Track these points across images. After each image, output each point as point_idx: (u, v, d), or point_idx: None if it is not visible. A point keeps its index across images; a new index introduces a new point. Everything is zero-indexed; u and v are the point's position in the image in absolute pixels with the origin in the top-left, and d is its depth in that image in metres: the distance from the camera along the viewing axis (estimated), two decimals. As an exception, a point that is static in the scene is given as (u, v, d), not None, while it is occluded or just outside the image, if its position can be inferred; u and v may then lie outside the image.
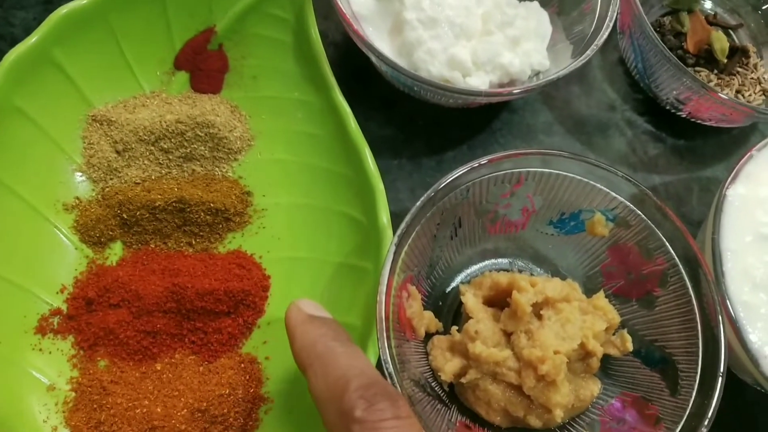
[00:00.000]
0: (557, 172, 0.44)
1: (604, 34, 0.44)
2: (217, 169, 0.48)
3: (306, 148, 0.48)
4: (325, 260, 0.46)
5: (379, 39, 0.47)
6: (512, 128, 0.54)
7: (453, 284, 0.48)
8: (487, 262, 0.49)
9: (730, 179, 0.42)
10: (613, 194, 0.43)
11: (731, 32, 0.57)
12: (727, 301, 0.39)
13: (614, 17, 0.45)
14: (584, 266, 0.48)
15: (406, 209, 0.52)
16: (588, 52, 0.44)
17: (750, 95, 0.53)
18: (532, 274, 0.48)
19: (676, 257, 0.42)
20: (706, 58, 0.55)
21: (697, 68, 0.55)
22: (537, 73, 0.48)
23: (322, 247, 0.46)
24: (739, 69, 0.55)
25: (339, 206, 0.46)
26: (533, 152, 0.43)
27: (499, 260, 0.50)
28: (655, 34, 0.46)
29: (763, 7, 0.57)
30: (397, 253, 0.39)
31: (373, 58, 0.44)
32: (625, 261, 0.45)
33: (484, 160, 0.42)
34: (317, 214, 0.47)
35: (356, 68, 0.53)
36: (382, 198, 0.43)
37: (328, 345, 0.32)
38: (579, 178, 0.44)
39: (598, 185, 0.44)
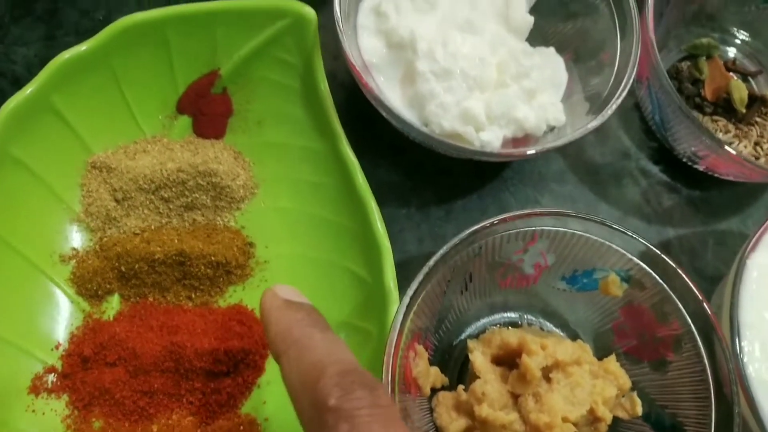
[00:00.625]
0: (571, 231, 0.43)
1: (623, 93, 0.43)
2: (219, 218, 0.47)
3: (311, 197, 0.47)
4: (328, 318, 0.45)
5: (390, 88, 0.46)
6: (524, 176, 0.53)
7: (460, 337, 0.47)
8: (496, 316, 0.48)
9: (750, 247, 0.41)
10: (629, 255, 0.42)
11: (750, 79, 0.56)
12: (744, 378, 0.38)
13: (633, 74, 0.44)
14: (596, 323, 0.47)
15: (412, 260, 0.51)
16: (606, 111, 0.43)
17: (769, 147, 0.52)
18: (542, 329, 0.48)
19: (691, 324, 0.41)
20: (725, 106, 0.53)
21: (715, 117, 0.54)
22: (552, 128, 0.47)
23: (325, 304, 0.45)
24: (758, 119, 0.54)
25: (343, 261, 0.45)
26: (546, 212, 0.42)
27: (509, 314, 0.49)
28: (674, 89, 0.45)
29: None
30: (405, 316, 0.38)
31: (384, 113, 0.42)
32: (639, 322, 0.44)
33: (496, 220, 0.41)
34: (321, 269, 0.46)
35: (365, 112, 0.52)
36: (389, 257, 0.42)
37: (305, 331, 0.31)
38: (594, 237, 0.43)
39: (614, 245, 0.42)
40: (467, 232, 0.40)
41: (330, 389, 0.26)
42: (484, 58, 0.45)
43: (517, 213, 0.41)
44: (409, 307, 0.39)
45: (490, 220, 0.41)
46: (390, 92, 0.46)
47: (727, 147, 0.44)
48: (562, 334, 0.48)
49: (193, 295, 0.46)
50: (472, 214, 0.51)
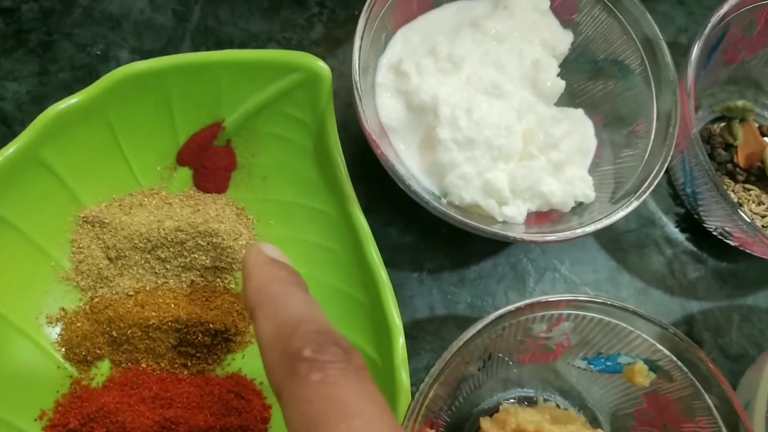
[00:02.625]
0: (598, 316, 0.41)
1: (658, 176, 0.42)
2: (218, 279, 0.45)
3: (318, 262, 0.45)
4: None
5: (408, 153, 0.45)
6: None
7: (473, 414, 0.46)
8: (510, 392, 0.47)
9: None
10: (658, 345, 0.41)
11: (785, 144, 0.55)
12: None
13: (669, 156, 0.42)
14: (615, 405, 0.45)
15: (422, 329, 0.49)
16: (639, 196, 0.41)
17: (803, 222, 0.51)
18: (558, 406, 0.46)
19: (722, 425, 0.39)
20: (758, 174, 0.52)
21: (747, 185, 0.52)
22: (580, 204, 0.45)
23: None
24: (792, 189, 0.52)
25: (350, 335, 0.43)
26: (573, 300, 0.40)
27: (524, 390, 0.47)
28: (712, 169, 0.43)
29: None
30: (419, 404, 0.37)
31: (399, 183, 0.40)
32: (663, 412, 0.43)
33: (522, 305, 0.39)
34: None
35: (379, 167, 0.50)
36: (399, 339, 0.40)
37: (285, 288, 0.31)
38: (622, 324, 0.41)
39: (642, 334, 0.41)
40: (490, 318, 0.38)
41: (305, 342, 0.27)
42: (510, 127, 0.43)
43: (544, 299, 0.40)
44: (422, 397, 0.37)
45: (517, 305, 0.39)
46: (408, 157, 0.44)
47: (764, 233, 0.43)
48: (579, 413, 0.46)
49: (189, 363, 0.44)
50: (487, 281, 0.50)
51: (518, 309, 0.39)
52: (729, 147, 0.53)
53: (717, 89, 0.55)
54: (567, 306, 0.41)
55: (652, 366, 0.42)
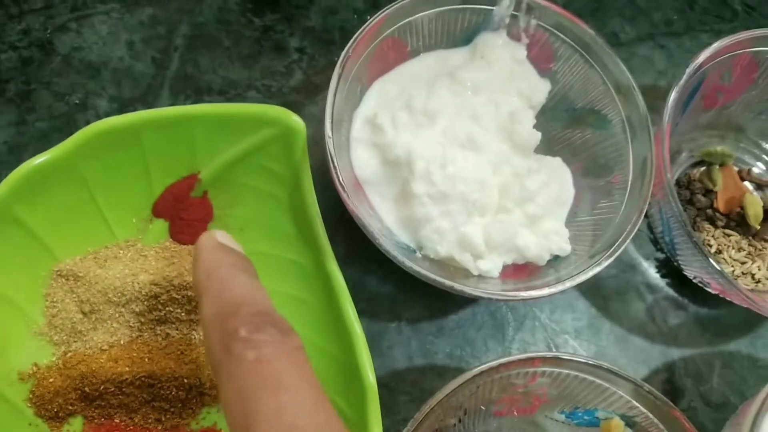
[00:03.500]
0: (575, 373, 0.41)
1: (634, 230, 0.42)
2: (194, 332, 0.45)
3: (293, 314, 0.44)
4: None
5: (383, 206, 0.45)
6: (522, 289, 0.51)
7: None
8: (487, 446, 0.47)
9: (759, 409, 0.39)
10: (634, 402, 0.40)
11: (766, 189, 0.54)
12: None
13: (644, 209, 0.42)
14: (593, 461, 0.45)
15: (401, 379, 0.49)
16: (614, 251, 0.41)
17: (783, 269, 0.51)
18: (535, 459, 0.46)
19: (699, 483, 0.39)
20: (738, 220, 0.52)
21: (727, 231, 0.52)
22: (556, 257, 0.45)
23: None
24: (772, 235, 0.52)
25: (327, 390, 0.42)
26: (551, 357, 0.40)
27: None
28: (688, 223, 0.43)
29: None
30: None
31: (371, 239, 0.40)
32: (641, 468, 0.42)
33: (496, 364, 0.39)
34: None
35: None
36: (374, 398, 0.40)
37: (232, 271, 0.32)
38: (598, 381, 0.41)
39: (618, 390, 0.41)
40: (465, 378, 0.38)
41: (242, 323, 0.27)
42: (485, 180, 0.44)
43: (521, 357, 0.40)
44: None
45: (491, 364, 0.40)
46: (383, 210, 0.44)
47: (740, 288, 0.43)
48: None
49: (163, 418, 0.43)
50: (466, 330, 0.49)
51: (493, 368, 0.39)
52: (709, 192, 0.53)
53: (697, 134, 0.55)
54: (543, 363, 0.41)
55: (629, 422, 0.42)
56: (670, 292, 0.53)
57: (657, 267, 0.53)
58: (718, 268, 0.43)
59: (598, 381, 0.41)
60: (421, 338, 0.49)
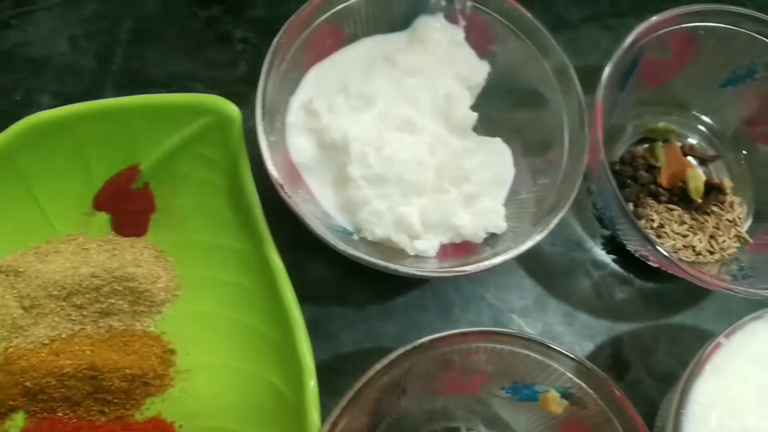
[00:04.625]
0: (509, 348, 0.41)
1: (566, 205, 0.42)
2: (137, 323, 0.45)
3: (236, 301, 0.46)
4: (247, 434, 0.43)
5: (321, 191, 0.45)
6: (468, 270, 0.51)
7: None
8: (435, 424, 0.47)
9: (689, 374, 0.40)
10: (569, 374, 0.41)
11: (709, 164, 0.55)
12: None
13: (578, 184, 0.43)
14: (537, 433, 0.45)
15: (348, 365, 0.49)
16: (549, 223, 0.42)
17: (724, 241, 0.51)
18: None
19: (632, 450, 0.40)
20: (680, 194, 0.52)
21: (671, 206, 0.52)
22: (493, 235, 0.45)
23: (250, 419, 0.43)
24: (715, 208, 0.52)
25: (267, 374, 0.43)
26: (480, 332, 0.40)
27: (450, 423, 0.47)
28: (620, 194, 0.44)
29: (742, 140, 0.55)
30: None
31: (306, 226, 0.41)
32: (581, 439, 0.43)
33: (426, 341, 0.39)
34: (245, 380, 0.44)
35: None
36: (309, 379, 0.40)
37: None
38: (532, 355, 0.41)
39: (553, 363, 0.41)
40: (388, 359, 0.38)
41: None
42: (422, 161, 0.44)
43: (447, 334, 0.40)
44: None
45: (422, 341, 0.40)
46: (321, 195, 0.45)
47: (671, 257, 0.43)
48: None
49: (107, 410, 0.43)
50: (413, 312, 0.50)
51: (425, 344, 0.40)
52: (652, 168, 0.53)
53: (642, 110, 0.55)
54: (478, 339, 0.41)
55: (566, 394, 0.42)
56: (616, 268, 0.53)
57: (603, 244, 0.53)
58: (650, 239, 0.43)
59: (533, 355, 0.41)
60: (367, 321, 0.49)
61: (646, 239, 0.44)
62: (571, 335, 0.51)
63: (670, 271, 0.48)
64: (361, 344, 0.49)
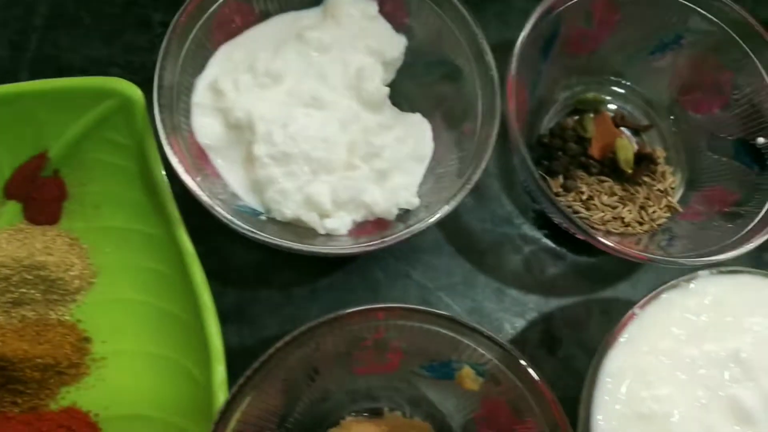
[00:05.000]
0: (419, 325, 0.41)
1: (474, 177, 0.41)
2: (51, 312, 0.45)
3: (152, 287, 0.45)
4: (167, 421, 0.43)
5: (230, 171, 0.44)
6: (394, 249, 0.50)
7: (323, 428, 0.45)
8: (358, 404, 0.47)
9: (603, 346, 0.39)
10: (481, 351, 0.40)
11: (642, 134, 0.54)
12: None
13: (487, 155, 0.42)
14: (461, 412, 0.45)
15: (271, 346, 0.49)
16: (456, 197, 0.41)
17: (654, 211, 0.50)
18: (404, 415, 0.46)
19: (545, 425, 0.39)
20: (611, 166, 0.51)
21: (601, 177, 0.52)
22: (407, 211, 0.45)
23: (165, 406, 0.43)
24: (646, 179, 0.52)
25: (182, 359, 0.43)
26: (384, 308, 0.40)
27: (372, 403, 0.47)
28: (533, 168, 0.43)
29: (675, 109, 0.54)
30: (224, 415, 0.36)
31: (210, 211, 0.40)
32: (497, 416, 0.43)
33: (326, 318, 0.39)
34: (160, 366, 0.44)
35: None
36: (219, 362, 0.40)
37: None
38: (444, 332, 0.41)
39: (464, 340, 0.41)
40: (290, 336, 0.38)
41: None
42: (331, 138, 0.43)
43: (357, 309, 0.39)
44: (228, 412, 0.37)
45: (327, 317, 0.39)
46: (230, 176, 0.44)
47: (592, 233, 0.42)
48: (427, 422, 0.46)
49: (20, 400, 0.43)
50: (338, 292, 0.49)
51: (330, 320, 0.39)
52: (582, 140, 0.52)
53: (573, 81, 0.54)
54: (388, 315, 0.41)
55: (480, 371, 0.42)
56: (548, 242, 0.52)
57: (533, 219, 0.53)
58: (562, 210, 0.43)
59: (444, 332, 0.40)
60: (292, 304, 0.49)
61: (560, 211, 0.43)
62: (500, 311, 0.50)
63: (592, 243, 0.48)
64: (285, 327, 0.48)
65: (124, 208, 0.46)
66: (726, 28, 0.48)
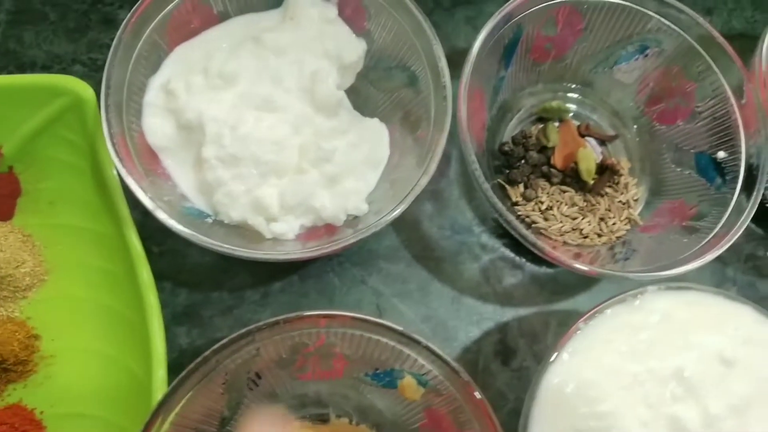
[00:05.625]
0: (360, 332, 0.41)
1: (416, 188, 0.41)
2: (1, 308, 0.45)
3: (102, 286, 0.46)
4: (109, 420, 0.43)
5: (181, 173, 0.45)
6: (351, 255, 0.50)
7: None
8: (306, 410, 0.47)
9: (545, 360, 0.39)
10: (422, 361, 0.40)
11: (607, 144, 0.54)
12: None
13: (434, 162, 0.42)
14: (407, 422, 0.45)
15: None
16: (404, 201, 0.41)
17: (614, 223, 0.50)
18: (350, 422, 0.46)
19: (484, 436, 0.39)
20: (574, 176, 0.51)
21: (563, 187, 0.51)
22: (355, 217, 0.45)
23: (110, 405, 0.43)
24: (608, 190, 0.51)
25: (127, 359, 0.43)
26: (323, 315, 0.40)
27: (320, 410, 0.47)
28: (481, 176, 0.43)
29: (641, 119, 0.53)
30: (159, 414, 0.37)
31: (156, 216, 0.40)
32: (441, 427, 0.43)
33: (272, 320, 0.39)
34: (107, 365, 0.44)
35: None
36: (160, 363, 0.40)
37: None
38: (384, 341, 0.41)
39: (405, 350, 0.40)
40: (227, 339, 0.38)
41: None
42: (282, 141, 0.43)
43: (297, 315, 0.40)
44: (161, 412, 0.37)
45: (266, 321, 0.39)
46: (180, 177, 0.44)
47: (542, 247, 0.42)
48: (372, 430, 0.46)
49: (-34, 396, 0.44)
50: (291, 297, 0.49)
51: (268, 325, 0.39)
52: (545, 149, 0.52)
53: (539, 89, 0.54)
54: (330, 323, 0.41)
55: (421, 381, 0.42)
56: (507, 252, 0.52)
57: (494, 228, 0.52)
58: (510, 221, 0.42)
59: (384, 340, 0.40)
60: (243, 307, 0.49)
61: (507, 222, 0.43)
62: (455, 320, 0.50)
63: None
64: (236, 329, 0.48)
65: (77, 206, 0.46)
66: (690, 39, 0.48)
